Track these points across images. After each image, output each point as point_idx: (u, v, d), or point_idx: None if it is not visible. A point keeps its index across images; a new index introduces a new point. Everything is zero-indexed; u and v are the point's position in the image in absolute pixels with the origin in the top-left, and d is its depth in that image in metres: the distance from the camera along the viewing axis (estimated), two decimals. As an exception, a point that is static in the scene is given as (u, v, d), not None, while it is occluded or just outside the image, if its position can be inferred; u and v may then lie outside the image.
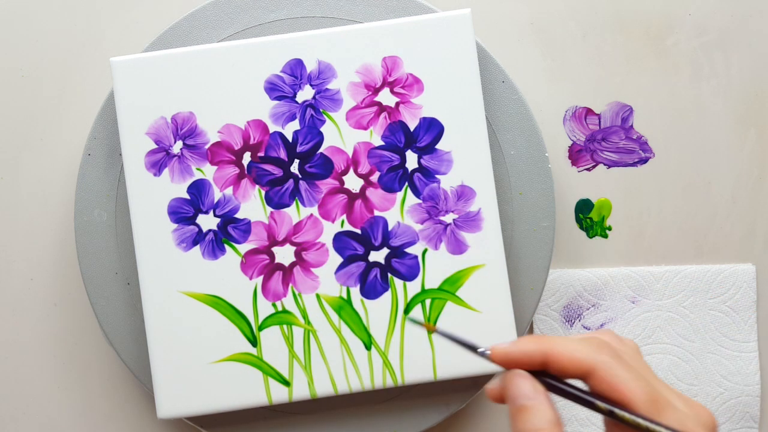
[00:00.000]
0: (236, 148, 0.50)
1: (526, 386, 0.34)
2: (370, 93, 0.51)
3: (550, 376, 0.35)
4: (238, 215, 0.50)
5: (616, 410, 0.34)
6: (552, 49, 0.57)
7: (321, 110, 0.51)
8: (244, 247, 0.50)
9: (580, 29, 0.57)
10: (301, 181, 0.51)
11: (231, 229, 0.50)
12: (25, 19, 0.57)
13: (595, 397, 0.34)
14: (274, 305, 0.50)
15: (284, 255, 0.50)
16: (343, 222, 0.50)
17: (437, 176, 0.50)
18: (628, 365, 0.34)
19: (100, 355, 0.57)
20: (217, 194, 0.50)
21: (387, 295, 0.50)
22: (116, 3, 0.57)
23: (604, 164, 0.57)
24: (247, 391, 0.50)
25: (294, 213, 0.50)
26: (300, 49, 0.51)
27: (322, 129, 0.51)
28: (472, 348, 0.36)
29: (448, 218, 0.50)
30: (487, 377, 0.53)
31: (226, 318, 0.50)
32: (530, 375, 0.35)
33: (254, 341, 0.50)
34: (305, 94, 0.51)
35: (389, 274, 0.50)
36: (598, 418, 0.56)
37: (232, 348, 0.50)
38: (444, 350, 0.50)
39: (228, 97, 0.50)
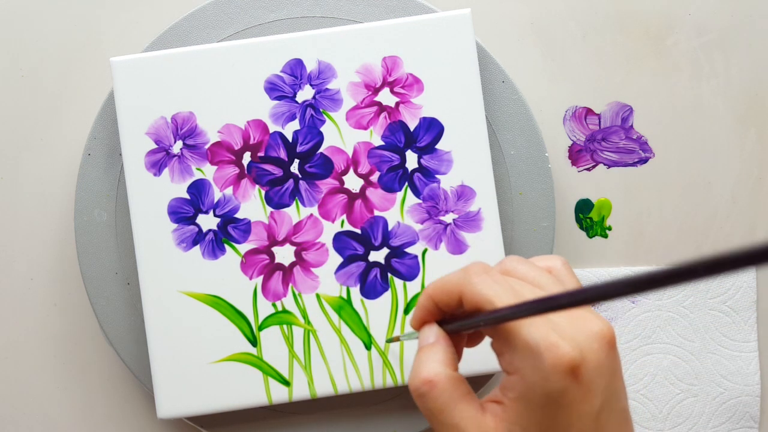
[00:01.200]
0: (236, 148, 0.50)
1: (426, 333, 0.37)
2: (370, 93, 0.51)
3: (455, 318, 0.37)
4: (238, 215, 0.50)
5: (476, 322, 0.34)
6: (552, 49, 0.57)
7: (321, 110, 0.51)
8: (244, 247, 0.50)
9: (580, 29, 0.57)
10: (301, 181, 0.51)
11: (231, 229, 0.50)
12: (25, 19, 0.57)
13: (472, 317, 0.35)
14: (274, 305, 0.50)
15: (284, 255, 0.50)
16: (343, 222, 0.50)
17: (437, 176, 0.50)
18: (496, 279, 0.34)
19: (100, 355, 0.57)
20: (217, 194, 0.50)
21: (387, 295, 0.50)
22: (116, 3, 0.57)
23: (604, 164, 0.57)
24: (247, 391, 0.50)
25: (294, 213, 0.50)
26: (300, 49, 0.51)
27: (322, 129, 0.51)
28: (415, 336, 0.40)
29: (448, 218, 0.50)
30: (487, 377, 0.53)
31: (226, 318, 0.50)
32: (436, 324, 0.37)
33: (254, 341, 0.50)
34: (305, 94, 0.51)
35: (389, 274, 0.50)
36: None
37: (232, 348, 0.50)
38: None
39: (228, 97, 0.50)
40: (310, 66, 0.51)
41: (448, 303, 0.36)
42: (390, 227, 0.50)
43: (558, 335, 0.31)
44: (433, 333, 0.36)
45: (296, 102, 0.51)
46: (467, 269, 0.35)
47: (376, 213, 0.50)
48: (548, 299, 0.30)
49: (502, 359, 0.34)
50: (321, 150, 0.51)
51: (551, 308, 0.30)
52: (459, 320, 0.36)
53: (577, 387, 0.31)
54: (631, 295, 0.26)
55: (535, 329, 0.32)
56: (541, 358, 0.31)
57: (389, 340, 0.48)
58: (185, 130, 0.50)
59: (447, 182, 0.50)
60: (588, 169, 0.57)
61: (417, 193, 0.51)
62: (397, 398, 0.53)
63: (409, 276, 0.50)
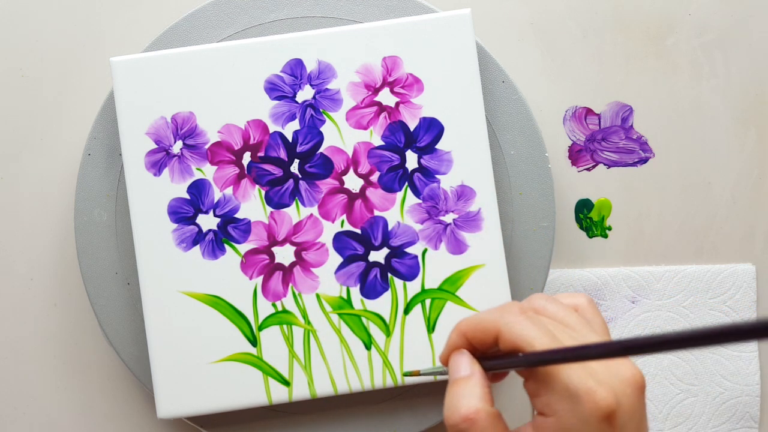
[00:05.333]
0: (236, 148, 0.50)
1: (459, 364, 0.36)
2: (370, 93, 0.51)
3: (487, 356, 0.37)
4: (238, 215, 0.50)
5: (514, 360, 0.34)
6: (552, 49, 0.57)
7: (321, 110, 0.51)
8: (244, 247, 0.50)
9: (580, 29, 0.57)
10: (301, 181, 0.51)
11: (231, 229, 0.50)
12: (25, 19, 0.57)
13: (509, 357, 0.35)
14: (274, 305, 0.50)
15: (284, 255, 0.50)
16: (343, 222, 0.50)
17: (437, 176, 0.50)
18: (534, 320, 0.35)
19: (100, 355, 0.57)
20: (217, 194, 0.50)
21: (387, 295, 0.50)
22: (116, 3, 0.57)
23: (604, 164, 0.57)
24: (247, 391, 0.50)
25: (294, 213, 0.50)
26: (300, 49, 0.51)
27: (322, 129, 0.51)
28: (442, 372, 0.39)
29: (448, 218, 0.50)
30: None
31: (226, 318, 0.50)
32: (468, 354, 0.36)
33: (254, 341, 0.50)
34: (305, 94, 0.51)
35: (389, 274, 0.50)
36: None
37: (232, 348, 0.50)
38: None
39: (228, 97, 0.50)
40: (310, 66, 0.51)
41: (483, 340, 0.36)
42: (390, 227, 0.50)
43: (595, 381, 0.33)
44: (466, 365, 0.36)
45: (296, 102, 0.51)
46: (503, 309, 0.36)
47: (376, 213, 0.50)
48: (585, 348, 0.31)
49: (538, 400, 0.34)
50: (321, 150, 0.51)
51: (589, 357, 0.31)
52: (492, 359, 0.36)
53: (610, 431, 0.33)
54: (665, 351, 0.28)
55: (574, 373, 0.33)
56: (580, 402, 0.32)
57: (407, 374, 0.45)
58: (185, 130, 0.50)
59: (447, 182, 0.50)
60: (588, 169, 0.57)
61: (417, 193, 0.51)
62: (397, 398, 0.53)
63: (409, 276, 0.50)
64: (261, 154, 0.50)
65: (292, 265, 0.50)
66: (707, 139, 0.57)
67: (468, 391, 0.35)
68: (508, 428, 0.35)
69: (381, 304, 0.50)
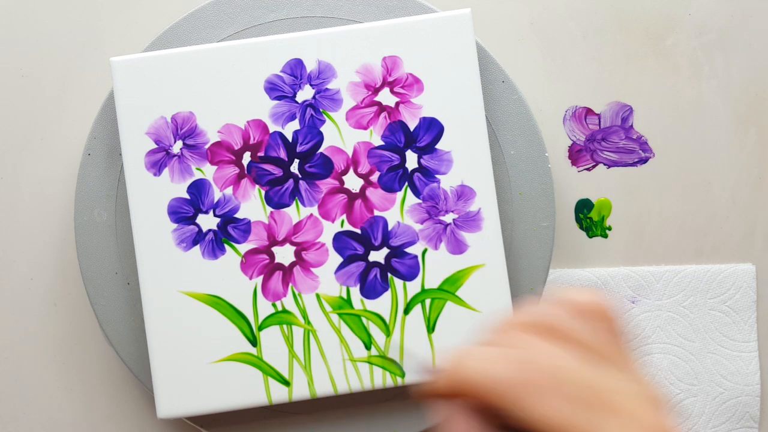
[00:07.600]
0: (236, 148, 0.50)
1: (457, 426, 0.29)
2: (370, 93, 0.51)
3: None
4: (238, 215, 0.50)
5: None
6: (552, 49, 0.57)
7: (321, 110, 0.51)
8: (244, 247, 0.50)
9: (580, 29, 0.57)
10: (301, 181, 0.51)
11: (231, 228, 0.50)
12: (25, 19, 0.57)
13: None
14: (274, 305, 0.50)
15: (284, 255, 0.50)
16: (343, 222, 0.50)
17: (437, 176, 0.50)
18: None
19: (100, 355, 0.57)
20: (217, 194, 0.50)
21: (387, 295, 0.50)
22: (116, 3, 0.57)
23: (604, 164, 0.57)
24: (247, 391, 0.50)
25: (294, 213, 0.50)
26: (300, 49, 0.51)
27: (322, 129, 0.51)
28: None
29: (448, 218, 0.50)
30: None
31: (226, 318, 0.50)
32: (466, 416, 0.29)
33: (254, 341, 0.50)
34: (305, 94, 0.51)
35: (389, 274, 0.50)
36: None
37: (232, 348, 0.50)
38: (444, 350, 0.50)
39: (228, 97, 0.50)
40: (310, 66, 0.51)
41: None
42: (390, 227, 0.50)
43: None
44: (464, 427, 0.29)
45: (296, 102, 0.51)
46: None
47: (376, 213, 0.50)
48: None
49: None
50: (321, 150, 0.51)
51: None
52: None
53: None
54: None
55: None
56: None
57: (391, 363, 0.41)
58: (185, 130, 0.50)
59: (447, 182, 0.50)
60: (588, 169, 0.57)
61: (417, 193, 0.51)
62: (397, 398, 0.53)
63: (409, 276, 0.50)
64: (261, 154, 0.50)
65: (292, 265, 0.50)
66: (707, 139, 0.57)
67: None
68: None
69: (381, 304, 0.50)
